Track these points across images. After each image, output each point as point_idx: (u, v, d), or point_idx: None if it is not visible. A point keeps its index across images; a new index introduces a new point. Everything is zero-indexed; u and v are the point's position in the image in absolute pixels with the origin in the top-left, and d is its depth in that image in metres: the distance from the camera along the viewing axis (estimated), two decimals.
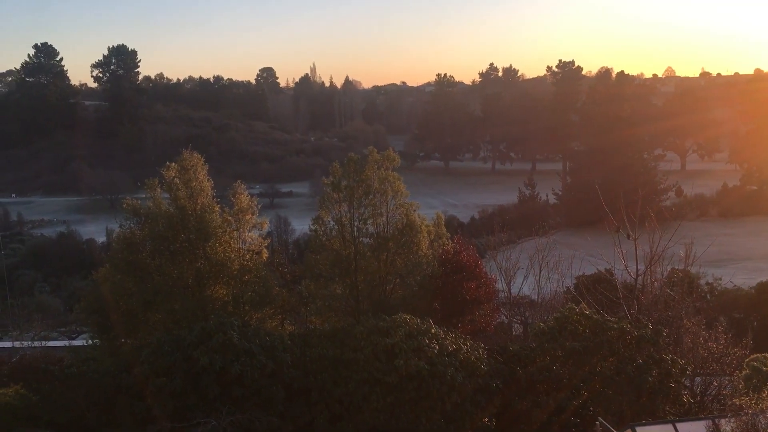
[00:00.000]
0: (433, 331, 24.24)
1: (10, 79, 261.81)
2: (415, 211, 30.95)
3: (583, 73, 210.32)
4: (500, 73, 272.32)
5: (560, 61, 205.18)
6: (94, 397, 22.67)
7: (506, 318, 34.10)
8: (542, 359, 24.47)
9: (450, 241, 31.97)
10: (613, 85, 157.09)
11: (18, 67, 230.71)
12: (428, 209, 36.83)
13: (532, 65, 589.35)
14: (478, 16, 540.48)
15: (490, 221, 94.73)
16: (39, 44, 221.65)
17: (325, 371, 23.26)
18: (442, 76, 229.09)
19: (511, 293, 33.91)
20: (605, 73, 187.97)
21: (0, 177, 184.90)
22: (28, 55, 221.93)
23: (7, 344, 44.59)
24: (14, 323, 58.07)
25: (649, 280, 30.16)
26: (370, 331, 23.88)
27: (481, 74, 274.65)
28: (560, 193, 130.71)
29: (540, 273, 33.56)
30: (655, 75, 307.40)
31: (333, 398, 22.64)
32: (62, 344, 43.63)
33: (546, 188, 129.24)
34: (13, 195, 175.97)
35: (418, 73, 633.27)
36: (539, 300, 33.95)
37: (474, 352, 24.16)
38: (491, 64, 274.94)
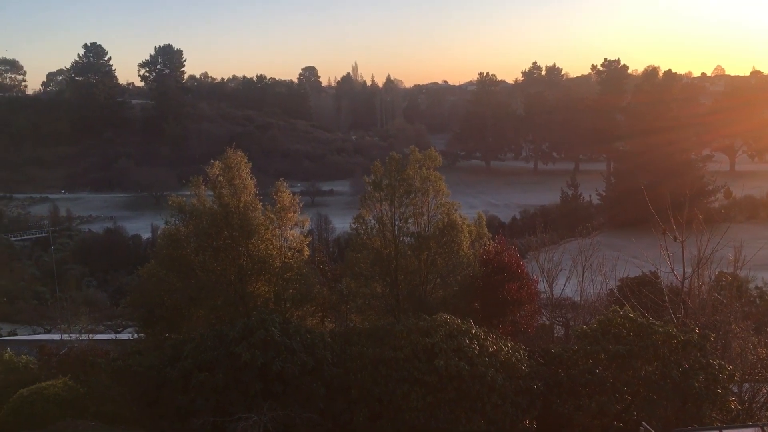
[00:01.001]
0: (473, 331, 24.07)
1: (61, 78, 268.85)
2: (456, 210, 30.77)
3: (629, 71, 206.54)
4: (543, 72, 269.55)
5: (605, 59, 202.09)
6: (139, 389, 23.11)
7: (548, 320, 33.68)
8: (585, 362, 24.09)
9: (491, 241, 31.72)
10: (660, 84, 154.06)
11: (68, 66, 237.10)
12: (469, 209, 36.62)
13: (577, 64, 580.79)
14: (522, 14, 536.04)
15: (532, 221, 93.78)
16: (88, 44, 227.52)
17: (365, 369, 23.29)
18: (485, 74, 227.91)
19: (553, 294, 33.49)
20: (652, 71, 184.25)
21: (50, 174, 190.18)
22: (78, 54, 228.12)
23: (56, 337, 45.78)
24: (63, 316, 59.65)
25: (696, 284, 29.46)
26: (410, 330, 23.83)
27: (524, 73, 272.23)
28: (604, 193, 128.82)
29: (583, 274, 33.06)
30: (703, 74, 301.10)
31: (373, 396, 22.65)
32: (108, 338, 44.65)
33: (589, 189, 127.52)
34: (63, 191, 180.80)
35: (460, 72, 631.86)
36: (582, 302, 33.44)
37: (515, 354, 23.91)
38: (534, 63, 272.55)
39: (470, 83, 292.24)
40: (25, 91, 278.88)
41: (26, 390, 24.20)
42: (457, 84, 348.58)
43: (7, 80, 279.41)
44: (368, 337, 25.08)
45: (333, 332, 27.04)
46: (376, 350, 23.82)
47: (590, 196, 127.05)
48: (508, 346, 24.29)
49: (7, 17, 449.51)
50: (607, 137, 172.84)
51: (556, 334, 33.24)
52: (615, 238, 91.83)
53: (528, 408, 22.63)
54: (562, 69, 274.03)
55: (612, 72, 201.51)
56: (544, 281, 33.07)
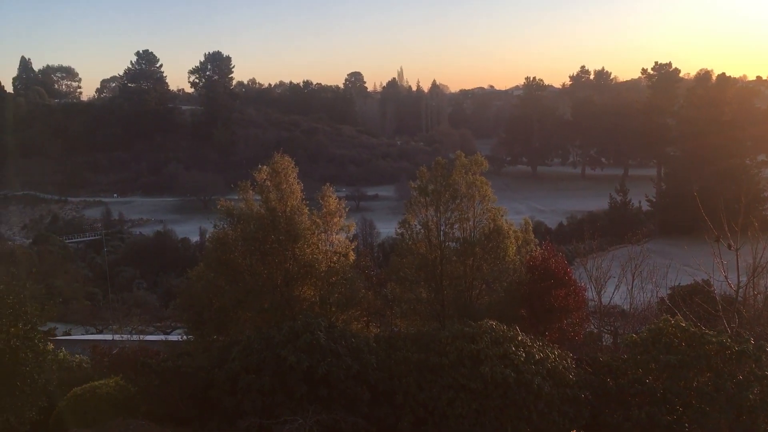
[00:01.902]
0: (519, 338, 23.81)
1: (114, 84, 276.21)
2: (502, 216, 30.52)
3: (681, 75, 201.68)
4: (592, 76, 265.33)
5: (656, 63, 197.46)
6: (187, 390, 23.50)
7: (596, 328, 33.06)
8: (634, 371, 23.59)
9: (538, 247, 31.35)
10: (713, 88, 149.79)
11: (121, 73, 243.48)
12: (515, 215, 36.28)
13: (626, 68, 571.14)
14: (570, 18, 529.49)
15: (579, 228, 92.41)
16: (141, 51, 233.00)
17: (410, 375, 23.26)
18: (532, 79, 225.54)
19: (601, 302, 32.87)
20: (705, 75, 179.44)
21: (104, 178, 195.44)
22: (131, 62, 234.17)
23: (108, 337, 46.95)
24: (114, 317, 61.14)
25: (751, 293, 28.56)
26: (455, 336, 23.70)
27: (572, 77, 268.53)
28: (654, 199, 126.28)
29: (633, 282, 32.36)
30: (759, 77, 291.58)
31: (417, 402, 22.60)
32: (158, 338, 45.55)
33: (639, 194, 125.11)
34: (115, 195, 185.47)
35: (506, 77, 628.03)
36: (631, 310, 32.73)
37: (562, 362, 23.57)
38: (582, 67, 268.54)
39: (517, 88, 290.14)
40: (80, 97, 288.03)
41: (80, 388, 24.85)
42: (504, 89, 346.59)
43: (63, 87, 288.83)
44: (413, 343, 25.04)
45: (378, 337, 27.05)
46: (421, 356, 23.77)
47: (640, 202, 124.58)
48: (555, 354, 23.96)
49: (63, 26, 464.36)
50: (658, 142, 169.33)
51: (604, 343, 32.59)
52: (666, 246, 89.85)
53: (575, 417, 22.28)
54: (611, 73, 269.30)
55: (663, 76, 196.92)
56: (592, 288, 32.47)
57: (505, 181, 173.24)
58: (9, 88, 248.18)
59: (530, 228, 32.92)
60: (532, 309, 28.58)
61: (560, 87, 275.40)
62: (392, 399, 23.09)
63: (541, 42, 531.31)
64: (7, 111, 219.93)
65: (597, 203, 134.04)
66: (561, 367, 23.26)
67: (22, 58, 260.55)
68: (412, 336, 26.01)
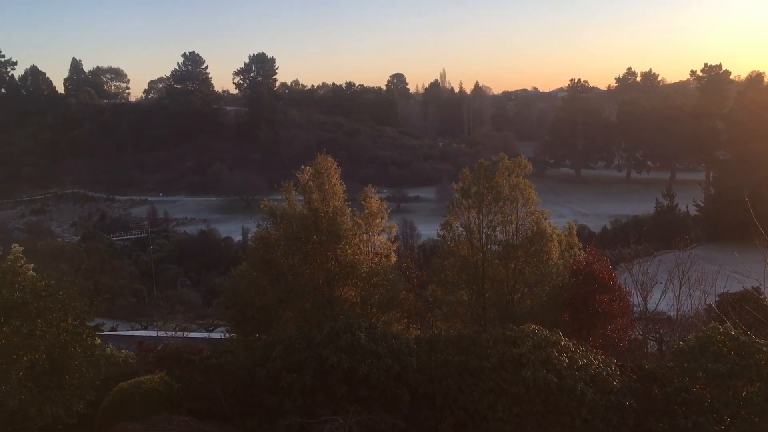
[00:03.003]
0: (562, 343, 23.49)
1: (161, 85, 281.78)
2: (546, 219, 30.18)
3: (731, 77, 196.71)
4: (639, 78, 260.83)
5: (706, 64, 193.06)
6: (230, 388, 23.79)
7: (641, 334, 32.42)
8: (681, 380, 23.05)
9: (582, 251, 30.89)
10: (764, 90, 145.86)
11: (168, 74, 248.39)
12: (557, 218, 35.80)
13: (674, 70, 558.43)
14: (616, 19, 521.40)
15: (624, 232, 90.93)
16: (187, 53, 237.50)
17: (451, 377, 23.15)
18: (576, 81, 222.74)
19: (646, 308, 32.22)
20: (756, 77, 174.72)
21: (150, 177, 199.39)
22: (177, 63, 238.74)
23: (153, 333, 47.79)
24: (159, 314, 62.27)
25: None
26: (496, 339, 23.51)
27: (618, 79, 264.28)
28: (702, 204, 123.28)
29: (680, 288, 31.63)
30: None
31: (458, 405, 22.48)
32: (201, 336, 46.25)
33: (686, 199, 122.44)
34: (161, 194, 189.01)
35: (550, 78, 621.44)
36: (677, 317, 32.01)
37: (606, 368, 23.18)
38: (629, 69, 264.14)
39: (561, 89, 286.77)
40: (128, 98, 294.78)
41: (126, 383, 25.36)
42: (547, 90, 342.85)
43: (112, 88, 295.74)
44: (454, 345, 24.91)
45: (418, 339, 27.00)
46: (461, 358, 23.64)
47: (687, 206, 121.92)
48: (598, 360, 23.59)
49: (113, 28, 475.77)
50: (707, 146, 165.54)
51: (649, 350, 31.96)
52: (714, 251, 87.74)
53: (619, 425, 21.87)
54: (658, 75, 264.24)
55: (713, 78, 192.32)
56: (638, 294, 31.86)
57: (548, 184, 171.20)
58: (60, 89, 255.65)
59: (574, 232, 32.47)
60: (575, 314, 28.17)
61: (605, 89, 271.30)
62: (432, 401, 23.02)
63: (587, 43, 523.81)
64: (59, 111, 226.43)
65: (642, 207, 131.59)
66: (605, 373, 22.88)
67: (73, 59, 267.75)
68: (453, 338, 25.88)
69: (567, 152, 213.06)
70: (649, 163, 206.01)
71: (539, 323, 25.00)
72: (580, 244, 32.13)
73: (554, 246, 29.74)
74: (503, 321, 26.72)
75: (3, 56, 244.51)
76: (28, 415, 21.15)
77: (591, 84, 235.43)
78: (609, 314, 27.77)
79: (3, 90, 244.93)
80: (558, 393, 21.56)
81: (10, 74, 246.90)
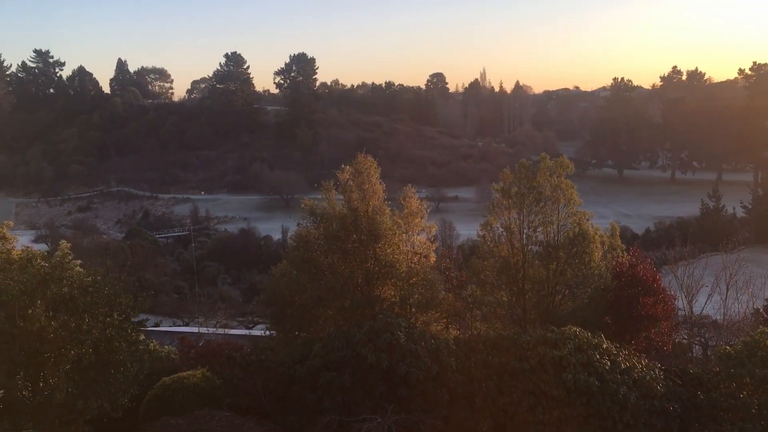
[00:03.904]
0: (604, 346, 23.15)
1: (204, 85, 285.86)
2: (588, 220, 29.75)
3: None
4: (684, 77, 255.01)
5: (754, 63, 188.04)
6: (270, 385, 24.03)
7: (685, 338, 31.72)
8: (727, 385, 22.54)
9: (625, 253, 30.36)
10: None
11: (210, 74, 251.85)
12: (599, 219, 35.20)
13: (721, 68, 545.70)
14: (661, 16, 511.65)
15: (668, 234, 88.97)
16: (229, 53, 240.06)
17: (490, 379, 22.98)
18: (619, 80, 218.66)
19: (692, 312, 31.51)
20: None
21: (192, 176, 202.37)
22: (220, 63, 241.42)
23: (194, 329, 48.48)
24: (200, 310, 63.17)
25: None
26: (537, 341, 23.27)
27: (663, 78, 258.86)
28: (750, 205, 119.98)
29: (726, 292, 30.88)
30: None
31: (497, 406, 22.31)
32: (242, 333, 46.76)
33: (733, 200, 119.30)
34: (203, 192, 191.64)
35: (592, 77, 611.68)
36: (724, 321, 31.24)
37: (650, 372, 22.75)
38: (674, 68, 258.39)
39: (603, 89, 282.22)
40: (171, 98, 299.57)
41: (168, 378, 25.81)
42: (590, 90, 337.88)
43: (156, 88, 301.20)
44: (493, 346, 24.74)
45: (457, 339, 26.88)
46: (501, 360, 23.46)
47: (734, 208, 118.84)
48: (642, 364, 23.18)
49: (157, 29, 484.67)
50: (755, 146, 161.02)
51: (694, 355, 31.27)
52: (763, 254, 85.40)
53: (663, 430, 21.47)
54: (705, 73, 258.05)
55: (762, 76, 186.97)
56: (683, 297, 31.18)
57: (590, 185, 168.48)
58: (106, 89, 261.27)
59: (617, 233, 31.98)
60: (618, 316, 27.70)
61: (650, 88, 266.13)
62: (471, 402, 22.88)
63: (631, 42, 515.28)
64: (105, 111, 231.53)
65: (687, 209, 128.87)
66: (648, 377, 22.46)
67: (119, 60, 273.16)
68: (493, 339, 25.70)
69: (609, 152, 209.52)
70: (695, 163, 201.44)
71: (580, 326, 24.67)
72: (623, 246, 31.62)
73: (596, 247, 29.31)
74: (543, 323, 26.44)
75: (51, 57, 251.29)
76: (74, 407, 21.67)
77: (635, 83, 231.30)
78: (653, 317, 27.23)
79: (51, 90, 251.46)
80: (600, 396, 21.24)
81: (58, 75, 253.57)
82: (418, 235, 31.76)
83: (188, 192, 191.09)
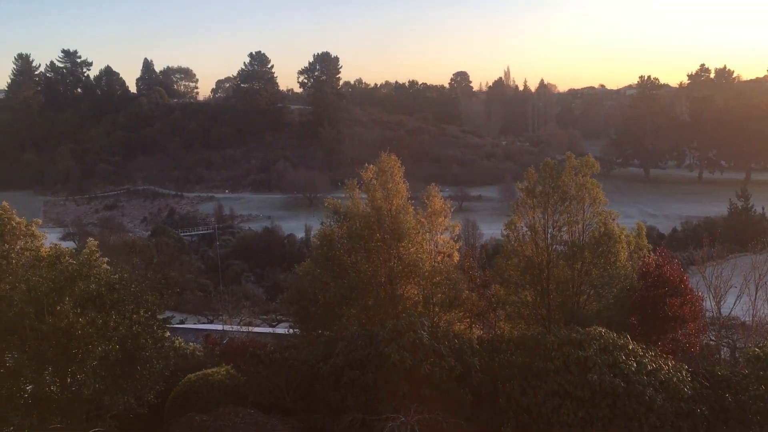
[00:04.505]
0: (630, 347, 22.90)
1: (228, 85, 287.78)
2: (614, 219, 29.45)
3: None
4: (712, 75, 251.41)
5: None
6: (293, 383, 24.13)
7: (713, 340, 31.24)
8: (756, 388, 22.18)
9: (651, 253, 29.99)
10: None
11: (235, 74, 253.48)
12: (625, 218, 34.83)
13: (751, 66, 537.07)
14: (689, 14, 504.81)
15: (695, 234, 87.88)
16: (253, 53, 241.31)
17: (514, 379, 22.86)
18: (646, 78, 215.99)
19: (720, 313, 31.01)
20: None
21: (216, 174, 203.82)
22: (244, 63, 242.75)
23: (218, 327, 48.80)
24: (224, 308, 63.63)
25: None
26: (561, 341, 23.09)
27: (690, 76, 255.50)
28: None
29: (756, 293, 30.33)
30: None
31: (521, 407, 22.18)
32: (265, 331, 46.95)
33: (762, 200, 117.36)
34: (227, 191, 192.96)
35: (618, 76, 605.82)
36: (753, 323, 30.70)
37: (676, 374, 22.47)
38: (702, 65, 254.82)
39: (629, 87, 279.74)
40: (196, 97, 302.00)
41: (193, 375, 26.03)
42: (615, 88, 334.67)
43: (182, 87, 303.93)
44: (517, 346, 24.61)
45: (481, 339, 26.78)
46: (525, 360, 23.33)
47: (763, 208, 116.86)
48: (668, 365, 22.90)
49: (182, 30, 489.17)
50: None
51: (722, 357, 30.77)
52: None
53: None
54: (733, 71, 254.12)
55: None
56: (711, 298, 30.72)
57: (615, 184, 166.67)
58: (133, 89, 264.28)
59: (643, 233, 31.62)
60: (644, 317, 27.38)
61: (677, 86, 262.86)
62: (495, 402, 22.78)
63: (657, 39, 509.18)
64: (131, 110, 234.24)
65: (715, 209, 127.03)
66: (675, 379, 22.19)
67: (145, 59, 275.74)
68: (517, 339, 25.57)
69: (635, 151, 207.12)
70: (723, 162, 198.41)
71: (606, 326, 24.44)
72: (650, 246, 31.26)
73: (622, 247, 28.99)
74: (568, 323, 26.22)
75: (79, 57, 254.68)
76: (101, 403, 21.94)
77: (662, 81, 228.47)
78: (680, 318, 26.88)
79: (79, 90, 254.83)
80: (625, 398, 21.03)
81: (85, 75, 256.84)
82: (441, 234, 31.70)
83: (212, 191, 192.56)
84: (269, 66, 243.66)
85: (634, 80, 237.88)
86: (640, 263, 29.13)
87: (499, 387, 22.97)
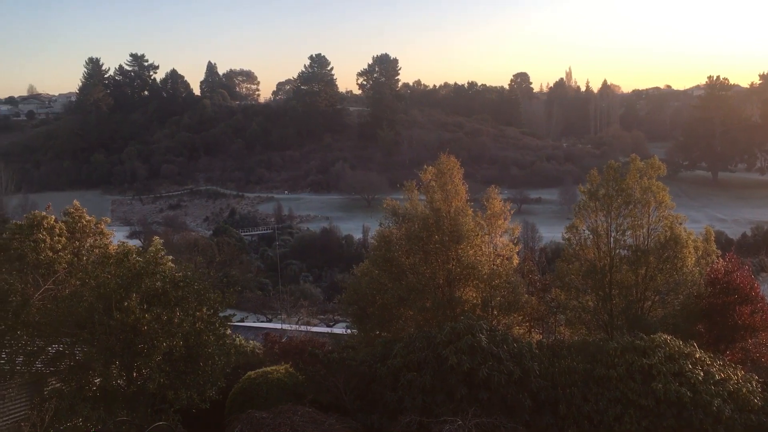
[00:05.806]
0: (697, 355, 22.16)
1: (288, 87, 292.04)
2: (680, 224, 28.59)
3: None
4: None
5: None
6: (351, 383, 24.23)
7: None
8: None
9: (720, 259, 28.98)
10: None
11: (295, 76, 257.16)
12: (691, 223, 33.73)
13: None
14: (760, 10, 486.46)
15: (766, 239, 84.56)
16: (314, 55, 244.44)
17: (575, 385, 22.40)
18: (714, 78, 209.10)
19: None
20: None
21: (276, 175, 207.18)
22: (304, 65, 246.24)
23: (277, 326, 49.54)
24: (282, 307, 64.58)
25: None
26: (624, 348, 22.53)
27: (762, 76, 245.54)
28: None
29: None
30: None
31: (582, 414, 21.71)
32: (323, 330, 47.44)
33: None
34: (286, 192, 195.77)
35: (685, 76, 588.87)
36: None
37: (746, 384, 21.61)
38: None
39: (697, 87, 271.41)
40: (258, 99, 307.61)
41: (253, 373, 26.45)
42: (682, 89, 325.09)
43: (243, 90, 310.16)
44: (578, 352, 24.10)
45: (541, 344, 26.32)
46: (587, 366, 22.84)
47: None
48: (737, 376, 22.05)
49: (245, 33, 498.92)
50: None
51: None
52: None
53: None
54: None
55: None
56: None
57: (681, 187, 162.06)
58: (197, 91, 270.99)
59: (712, 238, 30.59)
60: (711, 325, 26.49)
61: (748, 87, 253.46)
62: (555, 408, 22.35)
63: (727, 38, 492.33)
64: (195, 112, 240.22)
65: None
66: (745, 390, 21.35)
67: (209, 63, 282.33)
68: (578, 345, 25.04)
69: (703, 153, 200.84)
70: None
71: (671, 334, 23.75)
72: (718, 252, 30.23)
73: (689, 253, 28.13)
74: (631, 329, 25.58)
75: (146, 61, 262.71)
76: (166, 397, 22.52)
77: (731, 81, 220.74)
78: (750, 327, 25.90)
79: (146, 92, 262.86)
80: (692, 408, 20.36)
81: (152, 78, 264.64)
82: (500, 236, 31.37)
83: (272, 191, 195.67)
84: (329, 68, 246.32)
85: (701, 80, 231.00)
86: (708, 269, 28.20)
87: (559, 393, 22.54)
